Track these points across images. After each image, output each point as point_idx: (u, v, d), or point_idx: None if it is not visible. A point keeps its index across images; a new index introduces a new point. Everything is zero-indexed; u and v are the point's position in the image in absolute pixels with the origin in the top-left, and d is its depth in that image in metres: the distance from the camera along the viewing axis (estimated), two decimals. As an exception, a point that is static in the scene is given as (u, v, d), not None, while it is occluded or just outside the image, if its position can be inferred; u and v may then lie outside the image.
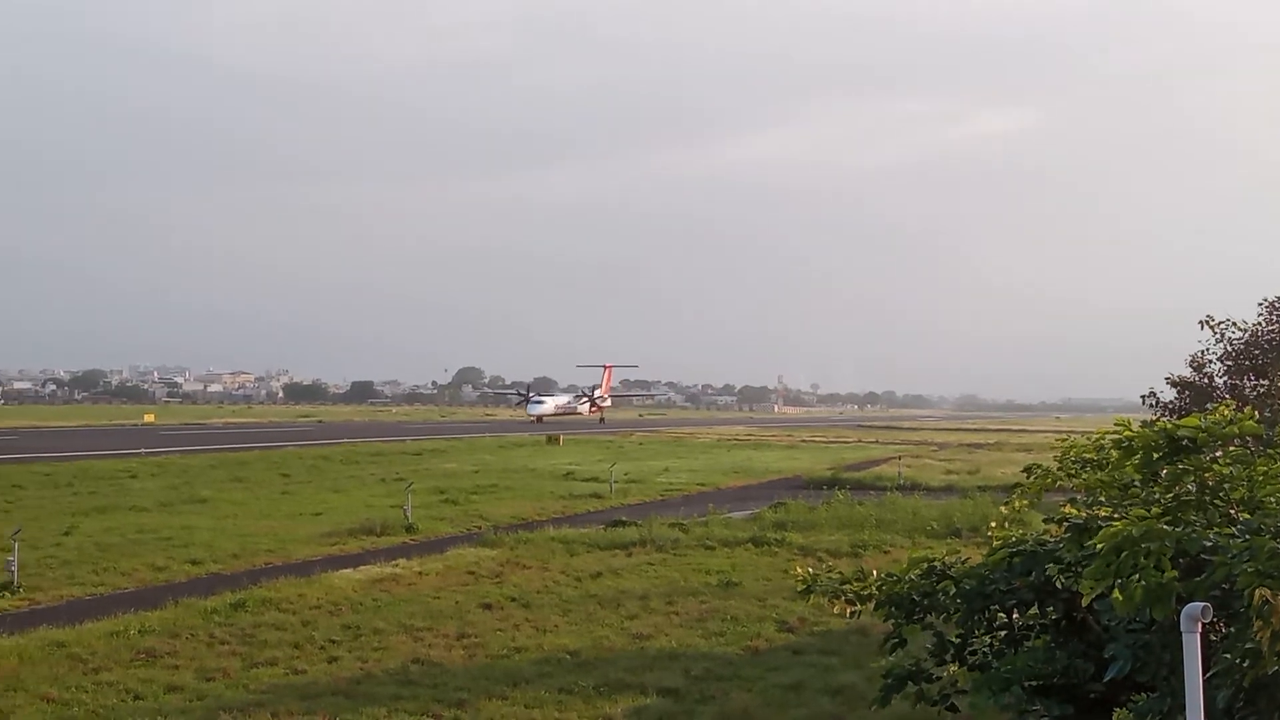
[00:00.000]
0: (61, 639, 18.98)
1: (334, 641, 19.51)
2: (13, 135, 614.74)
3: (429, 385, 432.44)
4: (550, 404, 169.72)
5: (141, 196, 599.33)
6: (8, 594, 23.32)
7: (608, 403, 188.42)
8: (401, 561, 28.23)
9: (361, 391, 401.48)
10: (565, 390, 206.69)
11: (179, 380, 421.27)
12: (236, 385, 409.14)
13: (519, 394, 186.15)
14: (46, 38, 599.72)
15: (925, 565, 10.60)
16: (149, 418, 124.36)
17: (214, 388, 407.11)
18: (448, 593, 24.20)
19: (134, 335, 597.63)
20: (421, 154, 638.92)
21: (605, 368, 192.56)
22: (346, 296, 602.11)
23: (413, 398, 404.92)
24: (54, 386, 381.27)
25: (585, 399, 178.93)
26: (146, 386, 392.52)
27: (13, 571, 24.14)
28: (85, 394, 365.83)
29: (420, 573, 26.58)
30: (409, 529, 34.85)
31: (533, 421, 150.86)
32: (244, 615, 21.43)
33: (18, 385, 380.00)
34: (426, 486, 47.29)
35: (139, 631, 19.77)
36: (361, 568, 27.33)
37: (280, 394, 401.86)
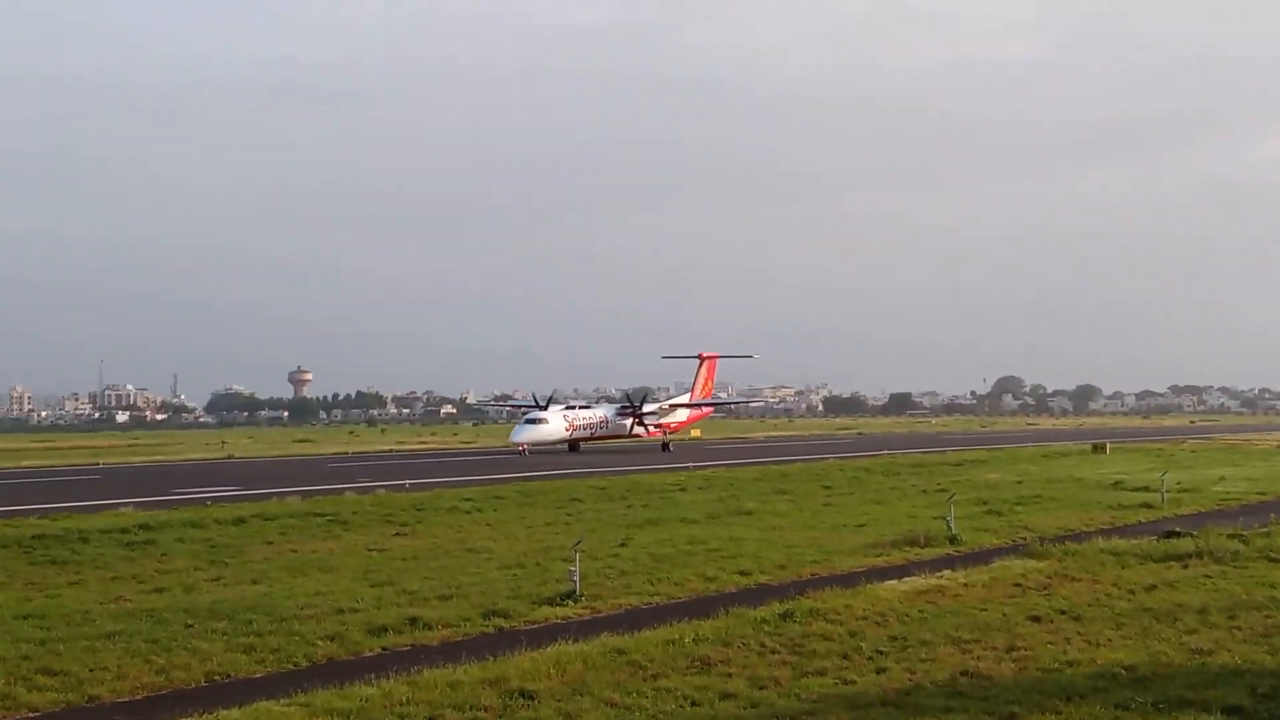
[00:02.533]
0: (621, 646, 19.76)
1: (881, 652, 19.38)
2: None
3: (967, 395, 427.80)
4: (553, 423, 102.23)
5: (663, 217, 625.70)
6: (571, 602, 24.62)
7: (676, 417, 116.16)
8: (946, 573, 27.79)
9: (899, 403, 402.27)
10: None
11: (721, 395, 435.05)
12: (777, 399, 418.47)
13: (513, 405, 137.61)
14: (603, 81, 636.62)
15: None
16: (695, 433, 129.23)
17: (755, 404, 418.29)
18: (994, 605, 23.60)
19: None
20: (954, 153, 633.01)
21: (701, 359, 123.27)
22: (883, 307, 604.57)
23: (951, 408, 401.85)
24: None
25: (629, 412, 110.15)
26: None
27: (575, 581, 25.44)
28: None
29: (965, 584, 26.08)
30: (952, 540, 34.37)
31: (520, 453, 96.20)
32: (792, 625, 21.65)
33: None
34: (968, 497, 46.59)
35: (693, 640, 20.30)
36: (906, 579, 27.10)
37: (820, 407, 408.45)
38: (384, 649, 20.70)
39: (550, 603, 24.61)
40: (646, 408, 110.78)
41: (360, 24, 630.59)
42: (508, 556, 31.84)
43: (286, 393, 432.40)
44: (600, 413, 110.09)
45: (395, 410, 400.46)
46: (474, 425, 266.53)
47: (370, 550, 33.58)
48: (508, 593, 25.71)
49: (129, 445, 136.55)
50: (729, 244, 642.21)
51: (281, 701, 16.45)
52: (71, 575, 29.37)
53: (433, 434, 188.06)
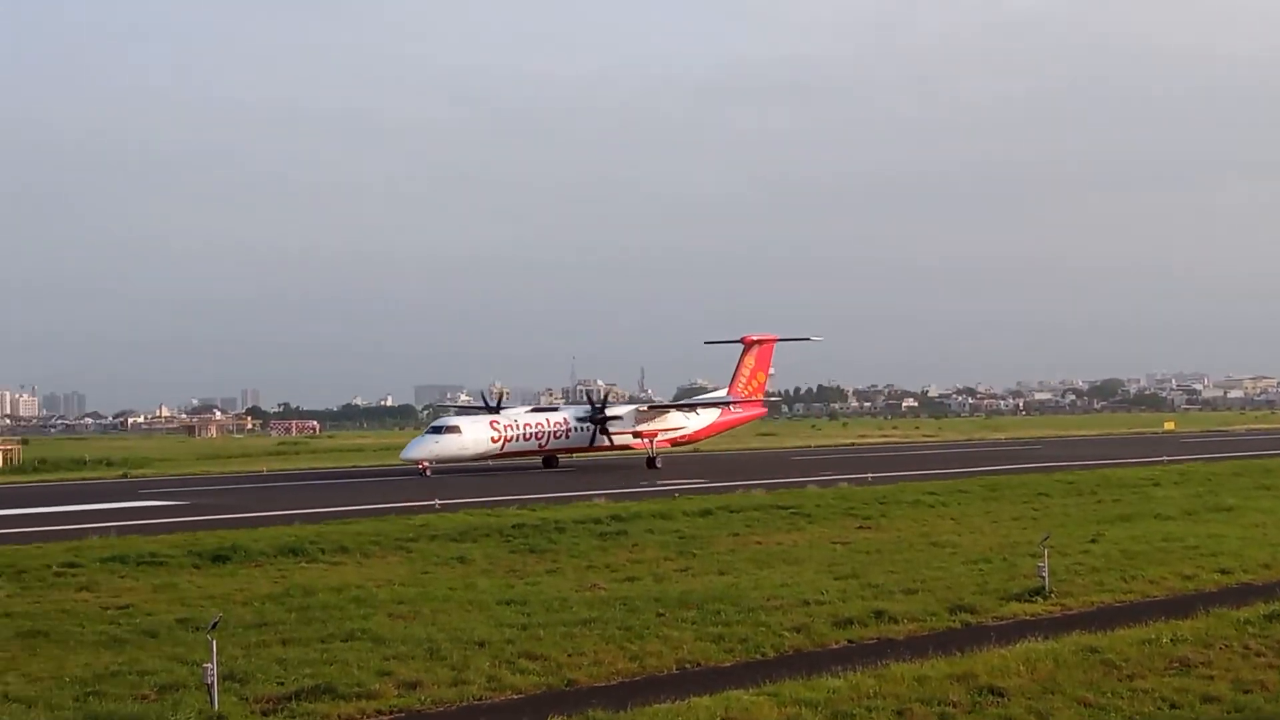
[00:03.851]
0: (1094, 644, 19.15)
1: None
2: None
3: None
4: (470, 433, 75.01)
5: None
6: (1040, 599, 24.00)
7: (670, 422, 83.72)
8: None
9: None
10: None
11: (1197, 387, 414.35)
12: (1258, 390, 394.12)
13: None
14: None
15: None
16: (1169, 425, 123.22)
17: (1234, 393, 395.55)
18: None
19: (1151, 344, 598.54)
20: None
21: (746, 344, 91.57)
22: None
23: None
24: (1073, 396, 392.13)
25: (589, 417, 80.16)
26: (1165, 394, 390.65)
27: (1044, 577, 24.79)
28: (1104, 403, 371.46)
29: None
30: None
31: (421, 472, 71.84)
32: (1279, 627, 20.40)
33: (1038, 396, 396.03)
34: None
35: (1171, 640, 19.46)
36: None
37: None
38: (849, 641, 20.81)
39: (1018, 599, 24.09)
40: (610, 411, 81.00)
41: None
42: (973, 551, 31.35)
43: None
44: (561, 416, 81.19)
45: (856, 404, 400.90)
46: (935, 419, 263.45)
47: (834, 543, 33.77)
48: (974, 588, 25.32)
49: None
50: None
51: (750, 691, 16.78)
52: (549, 564, 30.93)
53: (894, 427, 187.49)
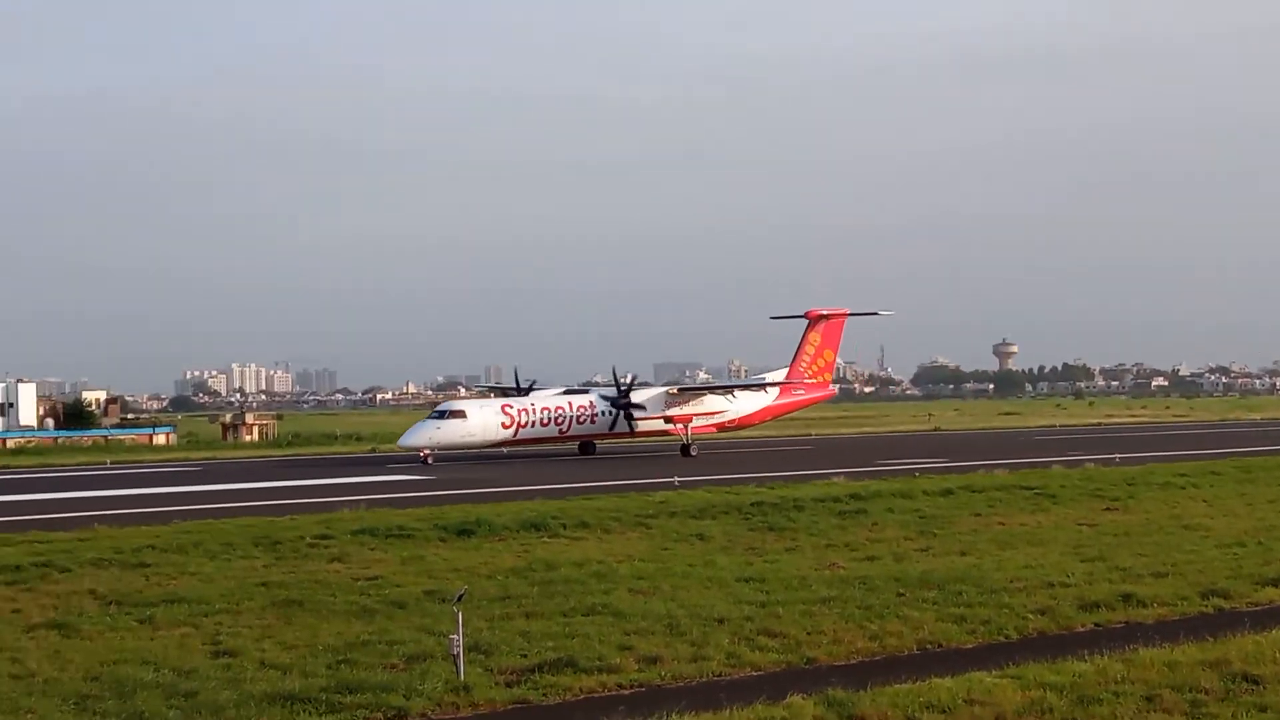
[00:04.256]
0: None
1: None
2: None
3: None
4: (475, 418, 69.26)
5: None
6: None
7: (710, 406, 76.75)
8: None
9: None
10: None
11: None
12: None
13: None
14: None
15: None
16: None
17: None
18: None
19: None
20: None
21: (810, 319, 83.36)
22: None
23: None
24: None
25: (613, 400, 74.09)
26: None
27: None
28: None
29: None
30: None
31: (422, 460, 66.97)
32: None
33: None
34: None
35: None
36: None
37: None
38: (1096, 625, 20.27)
39: (1274, 584, 23.14)
40: (636, 395, 74.04)
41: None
42: (1226, 534, 30.20)
43: (991, 365, 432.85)
44: (587, 400, 74.60)
45: (1103, 383, 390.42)
46: (1186, 399, 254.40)
47: (1079, 525, 32.91)
48: (1227, 572, 24.39)
49: (839, 417, 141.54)
50: None
51: (993, 672, 16.49)
52: (788, 542, 30.85)
53: (1143, 407, 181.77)
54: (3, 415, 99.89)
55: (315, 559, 28.79)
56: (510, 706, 16.00)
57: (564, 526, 33.37)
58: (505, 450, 72.29)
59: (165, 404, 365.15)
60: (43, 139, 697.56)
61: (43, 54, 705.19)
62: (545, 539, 31.83)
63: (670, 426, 74.63)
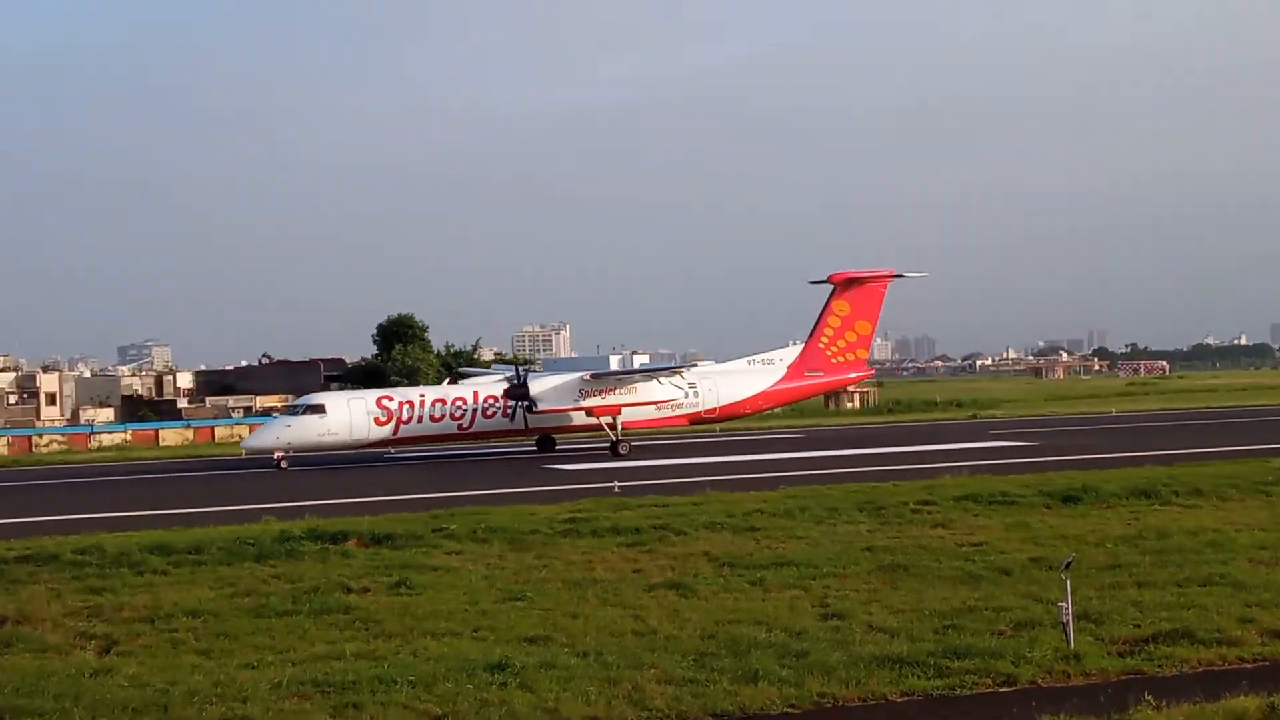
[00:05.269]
0: None
1: None
2: None
3: None
4: (337, 415, 56.05)
5: None
6: None
7: (641, 396, 60.41)
8: None
9: None
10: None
11: None
12: None
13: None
14: None
15: None
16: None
17: None
18: None
19: None
20: None
21: (833, 282, 66.04)
22: None
23: None
24: None
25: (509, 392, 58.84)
26: None
27: None
28: None
29: None
30: None
31: (276, 464, 55.04)
32: None
33: None
34: None
35: None
36: None
37: None
38: None
39: None
40: (535, 385, 59.39)
41: None
42: None
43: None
44: (501, 390, 60.60)
45: None
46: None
47: None
48: None
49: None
50: None
51: None
52: None
53: None
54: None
55: (918, 524, 28.97)
56: (1123, 677, 15.64)
57: (1175, 494, 31.84)
58: (392, 450, 61.21)
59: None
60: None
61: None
62: (1156, 506, 30.55)
63: (591, 420, 60.83)
